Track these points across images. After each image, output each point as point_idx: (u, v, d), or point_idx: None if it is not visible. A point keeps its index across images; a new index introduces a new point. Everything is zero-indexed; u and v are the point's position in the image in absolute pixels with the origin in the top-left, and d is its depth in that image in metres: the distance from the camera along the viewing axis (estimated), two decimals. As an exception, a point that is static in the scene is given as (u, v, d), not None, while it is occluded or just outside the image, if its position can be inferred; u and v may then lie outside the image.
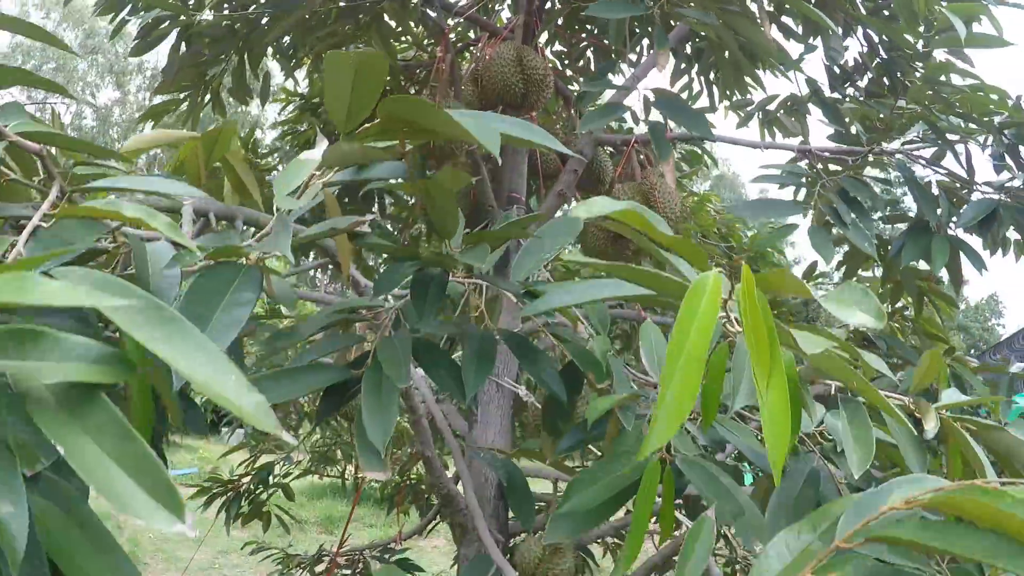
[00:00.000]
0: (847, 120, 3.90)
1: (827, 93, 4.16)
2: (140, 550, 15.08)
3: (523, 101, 3.67)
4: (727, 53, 3.91)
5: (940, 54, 3.79)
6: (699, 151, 5.57)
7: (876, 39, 4.08)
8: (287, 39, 4.56)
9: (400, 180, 1.54)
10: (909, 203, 4.10)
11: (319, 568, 5.88)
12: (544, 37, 4.95)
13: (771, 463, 0.97)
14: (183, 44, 4.13)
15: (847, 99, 4.10)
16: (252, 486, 6.16)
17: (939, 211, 3.53)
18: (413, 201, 5.20)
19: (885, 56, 4.06)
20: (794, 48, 4.34)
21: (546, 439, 2.26)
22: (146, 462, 0.77)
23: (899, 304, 4.58)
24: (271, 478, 6.21)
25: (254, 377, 1.55)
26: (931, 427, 1.45)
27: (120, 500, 0.75)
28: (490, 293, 1.99)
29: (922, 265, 3.78)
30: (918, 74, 3.79)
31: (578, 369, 1.93)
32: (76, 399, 0.80)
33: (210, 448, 29.25)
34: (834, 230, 3.41)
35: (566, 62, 5.24)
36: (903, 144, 3.55)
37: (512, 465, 2.87)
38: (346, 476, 23.53)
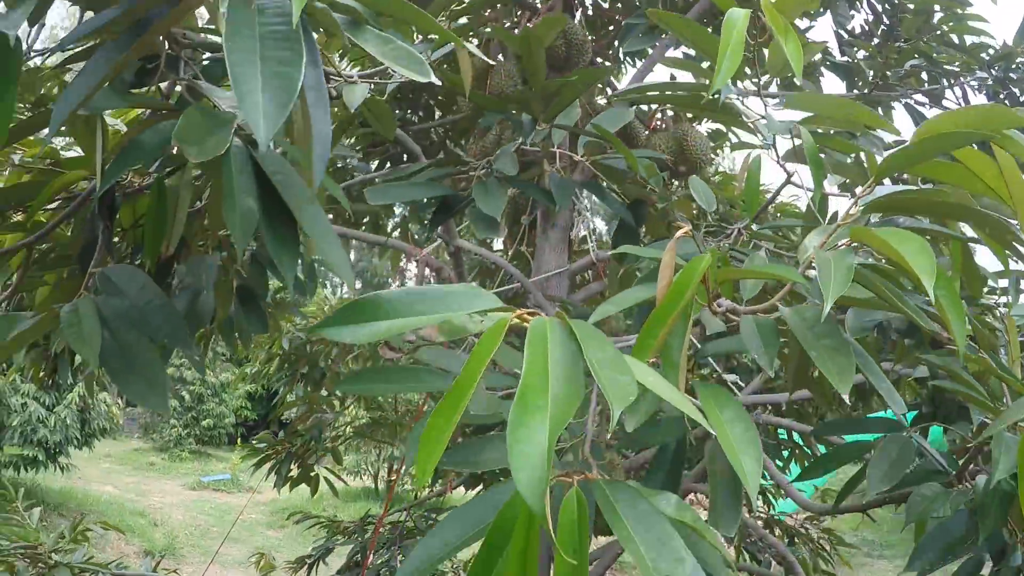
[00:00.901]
0: (856, 80, 4.32)
1: (838, 58, 4.57)
2: (177, 543, 15.46)
3: (565, 64, 4.07)
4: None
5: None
6: (723, 129, 5.93)
7: (880, 8, 4.49)
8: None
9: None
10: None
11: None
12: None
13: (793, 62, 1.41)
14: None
15: (857, 62, 4.49)
16: (301, 448, 6.34)
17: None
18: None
19: (888, 23, 4.48)
20: (803, 23, 4.74)
21: (612, 275, 2.61)
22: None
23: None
24: (322, 436, 6.34)
25: (387, 183, 1.97)
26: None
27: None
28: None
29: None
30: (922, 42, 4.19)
31: (642, 204, 2.36)
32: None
33: (237, 461, 29.65)
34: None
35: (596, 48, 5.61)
36: (903, 76, 3.95)
37: (576, 306, 3.21)
38: (380, 479, 23.39)
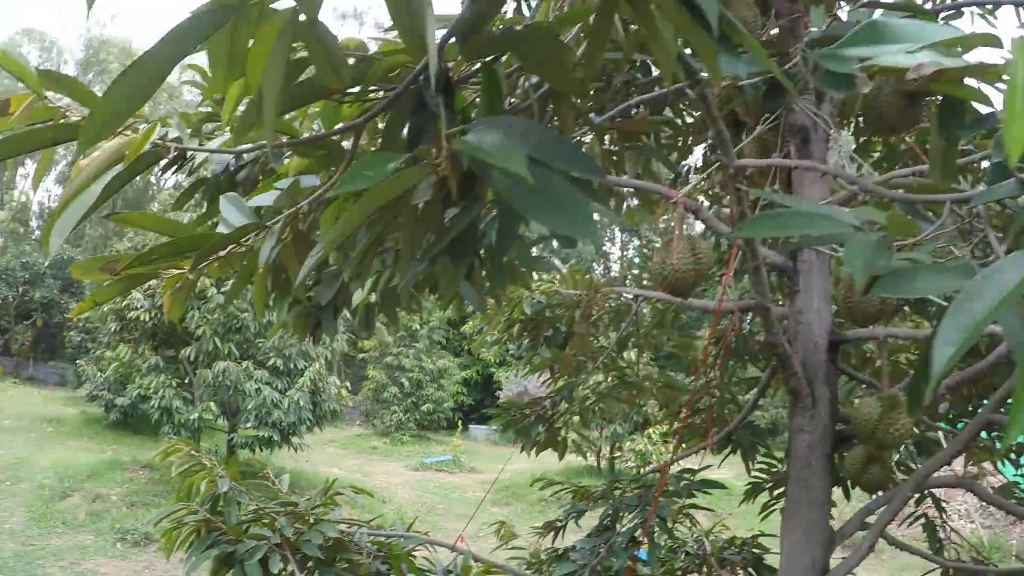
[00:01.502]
0: None
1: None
2: (406, 519, 15.72)
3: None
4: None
5: None
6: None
7: None
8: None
9: None
10: None
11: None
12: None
13: None
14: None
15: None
16: (549, 411, 6.22)
17: None
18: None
19: None
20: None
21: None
22: None
23: None
24: (572, 396, 6.16)
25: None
26: None
27: None
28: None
29: None
30: None
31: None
32: None
33: (460, 443, 30.43)
34: None
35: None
36: None
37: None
38: (601, 457, 23.58)
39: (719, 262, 5.47)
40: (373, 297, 3.45)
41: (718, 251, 5.41)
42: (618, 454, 24.63)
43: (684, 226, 3.84)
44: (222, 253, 1.93)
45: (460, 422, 35.27)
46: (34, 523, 18.35)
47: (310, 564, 4.12)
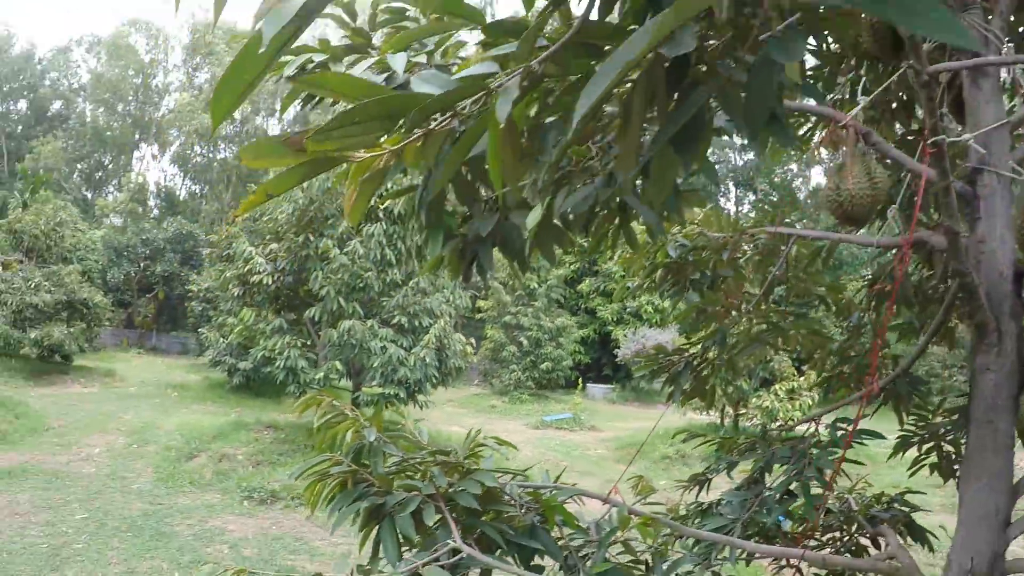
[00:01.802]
0: None
1: None
2: (531, 476, 15.69)
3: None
4: None
5: None
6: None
7: None
8: None
9: None
10: None
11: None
12: None
13: None
14: None
15: None
16: (698, 358, 5.96)
17: None
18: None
19: None
20: None
21: None
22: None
23: None
24: (725, 341, 5.88)
25: None
26: None
27: None
28: None
29: None
30: None
31: None
32: None
33: (579, 401, 30.51)
34: None
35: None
36: None
37: None
38: (726, 415, 23.34)
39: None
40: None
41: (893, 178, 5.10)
42: (743, 411, 24.24)
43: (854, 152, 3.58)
44: (433, 126, 1.69)
45: (579, 380, 35.27)
46: (162, 483, 18.90)
47: (454, 515, 3.95)
